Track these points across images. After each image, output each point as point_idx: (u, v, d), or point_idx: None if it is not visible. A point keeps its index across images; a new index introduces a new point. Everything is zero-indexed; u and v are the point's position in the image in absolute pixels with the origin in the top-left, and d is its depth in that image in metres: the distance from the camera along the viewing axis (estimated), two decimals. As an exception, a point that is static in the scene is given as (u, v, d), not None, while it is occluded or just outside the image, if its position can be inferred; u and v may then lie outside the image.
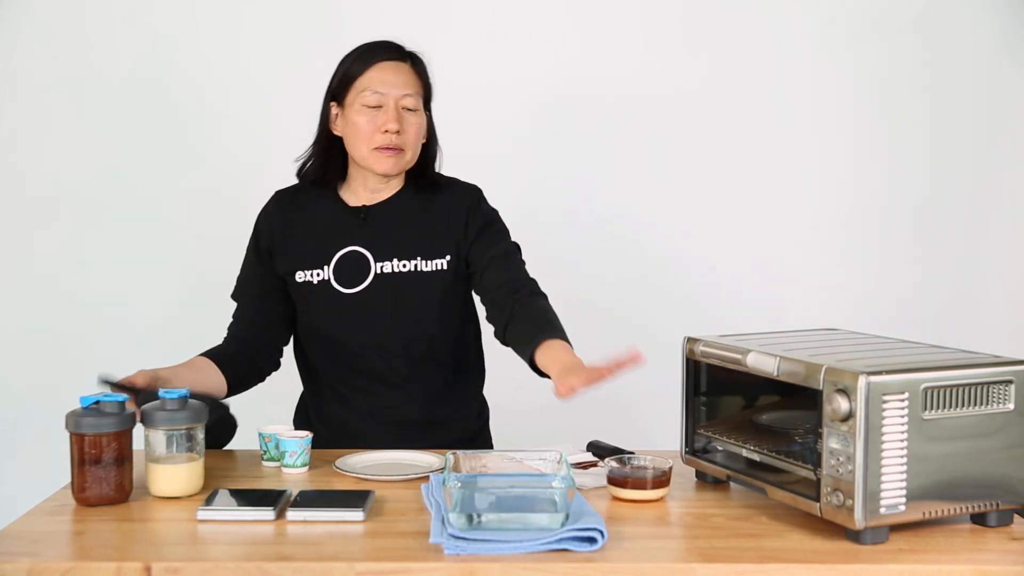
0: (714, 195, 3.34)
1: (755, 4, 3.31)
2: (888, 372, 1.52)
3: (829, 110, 3.34)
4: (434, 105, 2.28)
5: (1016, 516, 1.64)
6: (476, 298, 2.25)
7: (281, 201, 2.27)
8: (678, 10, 3.31)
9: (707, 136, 3.33)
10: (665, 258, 3.34)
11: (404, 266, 2.16)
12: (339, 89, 2.17)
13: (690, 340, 1.85)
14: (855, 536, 1.54)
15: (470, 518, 1.54)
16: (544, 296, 2.14)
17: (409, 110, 2.14)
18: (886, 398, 1.51)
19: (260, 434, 1.97)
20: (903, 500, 1.53)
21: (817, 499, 1.58)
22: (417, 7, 3.21)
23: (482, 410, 2.33)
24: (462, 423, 2.25)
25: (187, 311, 3.32)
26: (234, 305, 2.29)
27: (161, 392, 1.77)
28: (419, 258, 2.17)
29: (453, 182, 2.25)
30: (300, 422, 2.31)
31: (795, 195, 3.35)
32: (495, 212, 2.24)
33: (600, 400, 3.11)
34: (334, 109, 2.19)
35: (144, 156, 3.30)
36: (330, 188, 2.23)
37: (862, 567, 1.47)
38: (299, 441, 1.92)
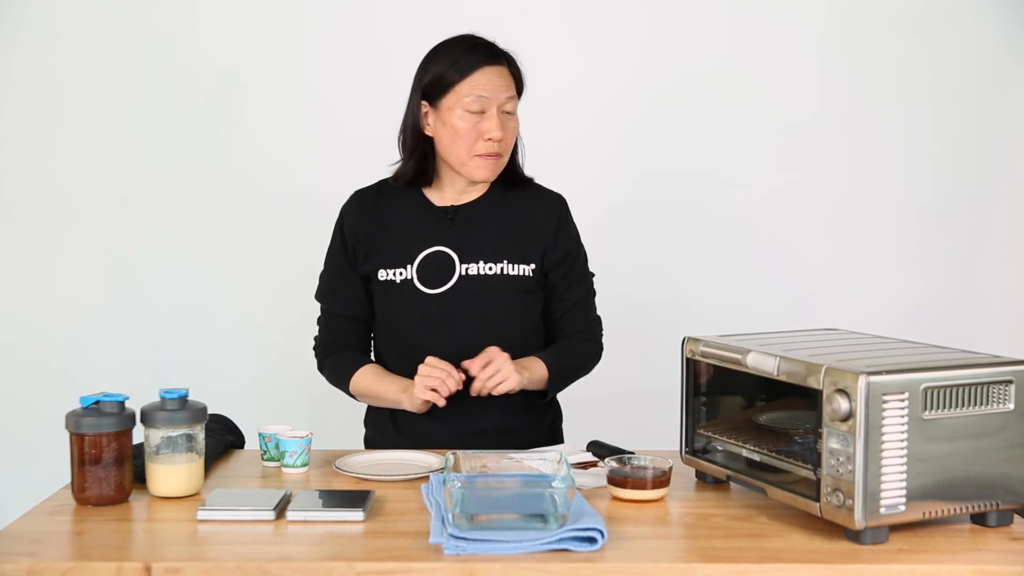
0: (715, 195, 3.34)
1: (754, 6, 3.31)
2: (888, 372, 1.52)
3: (829, 110, 3.34)
4: None
5: (1016, 516, 1.64)
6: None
7: (363, 199, 2.23)
8: (676, 13, 3.31)
9: (708, 136, 3.33)
10: (665, 258, 3.34)
11: (490, 269, 2.14)
12: (434, 90, 2.11)
13: (690, 340, 1.85)
14: (855, 536, 1.54)
15: (470, 518, 1.54)
16: (592, 343, 2.24)
17: (508, 114, 2.12)
18: (886, 398, 1.51)
19: (260, 434, 1.97)
20: (903, 500, 1.53)
21: (817, 499, 1.58)
22: (418, 9, 3.22)
23: (556, 415, 2.30)
24: (536, 430, 2.22)
25: (186, 312, 3.32)
26: (315, 304, 2.27)
27: (161, 392, 1.77)
28: (505, 261, 2.15)
29: (539, 187, 2.25)
30: (371, 423, 2.28)
31: (794, 195, 3.35)
32: (577, 229, 2.25)
33: (600, 400, 3.13)
34: (424, 107, 2.14)
35: (144, 156, 3.30)
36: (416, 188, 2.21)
37: (862, 567, 1.47)
38: (299, 441, 1.92)
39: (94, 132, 3.28)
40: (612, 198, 3.31)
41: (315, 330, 2.28)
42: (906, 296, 3.34)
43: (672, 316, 3.23)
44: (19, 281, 3.31)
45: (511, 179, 2.21)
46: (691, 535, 1.62)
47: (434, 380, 1.99)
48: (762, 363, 1.68)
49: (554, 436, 2.27)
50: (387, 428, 2.22)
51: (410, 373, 2.11)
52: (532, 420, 2.21)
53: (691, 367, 1.85)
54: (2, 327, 3.31)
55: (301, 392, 3.05)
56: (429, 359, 2.03)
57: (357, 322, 2.23)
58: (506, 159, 2.15)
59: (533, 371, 2.10)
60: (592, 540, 1.51)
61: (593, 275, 2.28)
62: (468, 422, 2.14)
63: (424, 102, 2.13)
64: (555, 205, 2.23)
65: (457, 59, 2.09)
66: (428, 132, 2.15)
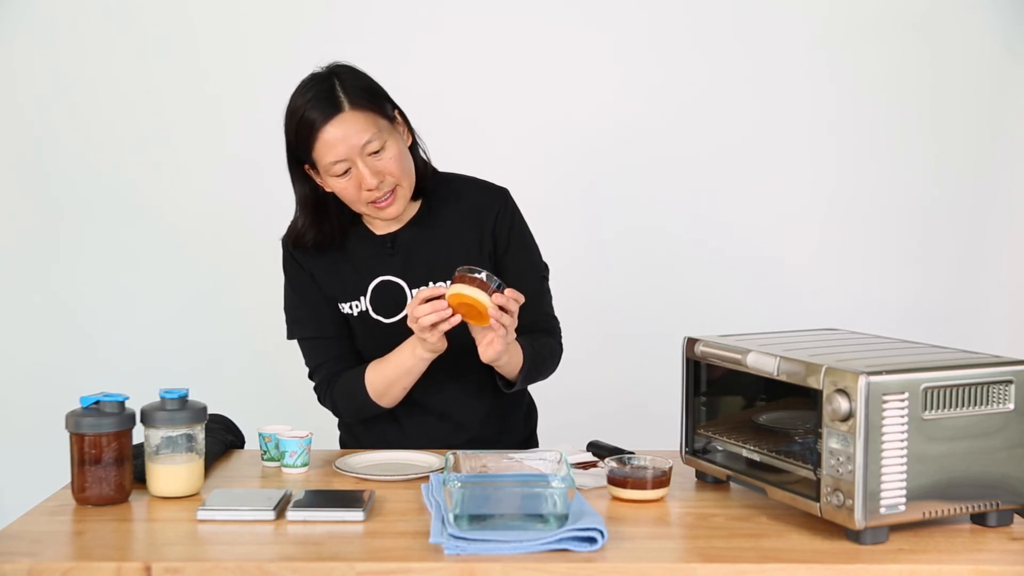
0: (714, 195, 3.34)
1: (755, 5, 3.32)
2: (888, 372, 1.52)
3: (830, 110, 3.34)
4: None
5: (1016, 516, 1.64)
6: None
7: (299, 240, 2.13)
8: (677, 12, 3.31)
9: (707, 137, 3.33)
10: (665, 258, 3.34)
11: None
12: (302, 158, 2.03)
13: (690, 340, 1.85)
14: (855, 536, 1.54)
15: (470, 518, 1.54)
16: (554, 339, 2.14)
17: (377, 152, 1.98)
18: (886, 398, 1.51)
19: (260, 434, 1.97)
20: (903, 500, 1.53)
21: (817, 499, 1.58)
22: (417, 8, 3.22)
23: (529, 415, 2.28)
24: (509, 439, 2.20)
25: (185, 312, 3.32)
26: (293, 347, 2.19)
27: (161, 392, 1.77)
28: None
29: (477, 185, 2.15)
30: (343, 425, 2.26)
31: (795, 195, 3.35)
32: (524, 221, 2.15)
33: (600, 400, 3.13)
34: (310, 170, 2.05)
35: (144, 157, 3.30)
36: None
37: (862, 567, 1.47)
38: (299, 441, 1.92)
39: (93, 133, 3.28)
40: (611, 198, 3.31)
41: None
42: (906, 296, 3.34)
43: (672, 316, 3.23)
44: (19, 281, 3.31)
45: (444, 189, 2.12)
46: (691, 535, 1.62)
47: (430, 317, 1.87)
48: (762, 363, 1.68)
49: (528, 441, 2.25)
50: (359, 431, 2.20)
51: None
52: (503, 432, 2.18)
53: (691, 367, 1.85)
54: (2, 327, 3.31)
55: (301, 392, 3.04)
56: (410, 303, 1.93)
57: (343, 340, 2.13)
58: (406, 186, 2.02)
59: (512, 352, 1.99)
60: (592, 540, 1.51)
61: (547, 269, 2.18)
62: (440, 440, 2.12)
63: (307, 166, 2.05)
64: (495, 198, 2.13)
65: (298, 130, 2.00)
66: (328, 189, 2.05)
